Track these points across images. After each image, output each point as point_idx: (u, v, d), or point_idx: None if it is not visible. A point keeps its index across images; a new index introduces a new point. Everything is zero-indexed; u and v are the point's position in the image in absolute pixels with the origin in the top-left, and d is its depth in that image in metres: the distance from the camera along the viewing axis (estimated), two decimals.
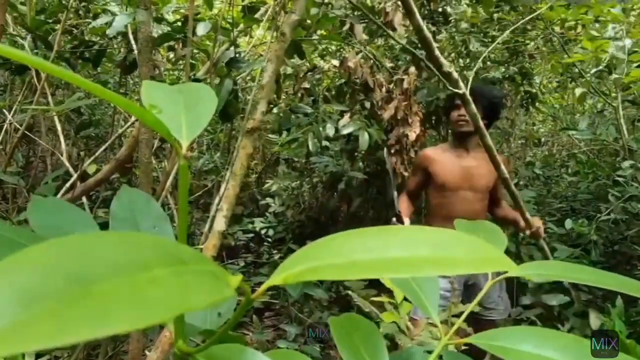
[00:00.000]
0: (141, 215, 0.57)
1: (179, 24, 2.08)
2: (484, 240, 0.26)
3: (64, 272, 0.16)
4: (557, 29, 3.10)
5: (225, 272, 0.21)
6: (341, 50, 3.38)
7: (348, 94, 2.88)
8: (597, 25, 2.71)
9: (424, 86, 3.04)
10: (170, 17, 2.55)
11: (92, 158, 2.34)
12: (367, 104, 2.79)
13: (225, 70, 2.07)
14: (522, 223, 1.95)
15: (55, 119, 2.47)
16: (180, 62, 2.67)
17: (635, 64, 2.51)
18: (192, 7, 1.86)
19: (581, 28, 2.93)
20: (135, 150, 2.20)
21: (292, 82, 3.16)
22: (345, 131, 2.59)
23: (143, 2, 1.53)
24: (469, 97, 1.63)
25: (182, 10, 2.93)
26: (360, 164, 3.27)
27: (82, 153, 3.85)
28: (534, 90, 3.39)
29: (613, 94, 2.73)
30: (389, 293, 1.27)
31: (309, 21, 2.35)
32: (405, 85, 2.66)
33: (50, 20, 2.43)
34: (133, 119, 2.45)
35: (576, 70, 3.31)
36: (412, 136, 2.61)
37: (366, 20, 2.95)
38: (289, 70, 3.01)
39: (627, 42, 2.52)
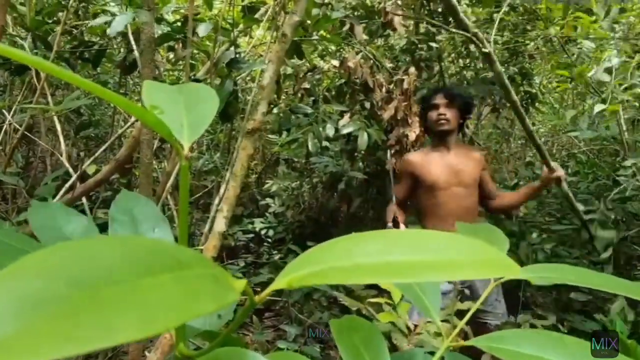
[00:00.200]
0: (140, 218, 0.56)
1: (179, 24, 2.07)
2: (487, 243, 0.26)
3: (66, 279, 0.16)
4: (556, 29, 3.09)
5: (229, 276, 0.21)
6: (341, 50, 3.38)
7: (348, 94, 2.88)
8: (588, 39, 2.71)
9: (424, 86, 3.04)
10: (170, 18, 2.55)
11: (91, 158, 2.34)
12: (367, 104, 2.79)
13: (226, 71, 2.07)
14: (536, 184, 2.12)
15: (55, 119, 2.47)
16: (180, 62, 2.66)
17: (622, 87, 2.47)
18: (192, 7, 1.86)
19: (580, 29, 2.93)
20: (135, 151, 2.20)
21: (292, 83, 3.16)
22: (345, 131, 2.59)
23: (146, 3, 1.52)
24: (493, 56, 1.89)
25: (181, 11, 2.92)
26: (360, 164, 3.27)
27: (81, 153, 3.85)
28: (534, 91, 3.39)
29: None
30: (389, 294, 1.27)
31: (308, 21, 2.34)
32: (405, 85, 2.65)
33: (50, 21, 2.43)
34: (133, 119, 2.45)
35: (576, 69, 3.31)
36: (412, 136, 2.61)
37: (366, 21, 2.95)
38: (289, 71, 3.00)
39: (615, 62, 2.46)
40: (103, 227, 0.59)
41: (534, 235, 2.76)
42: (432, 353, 0.55)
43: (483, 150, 3.54)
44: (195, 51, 2.32)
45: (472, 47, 3.17)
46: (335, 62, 2.88)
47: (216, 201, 2.08)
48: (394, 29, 2.59)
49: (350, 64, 2.65)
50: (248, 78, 3.52)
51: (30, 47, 2.30)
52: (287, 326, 2.56)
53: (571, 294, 2.46)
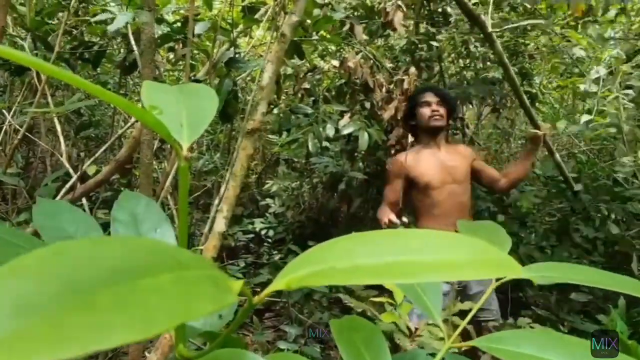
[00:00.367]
0: (142, 218, 0.56)
1: (179, 24, 2.07)
2: (488, 243, 0.26)
3: (62, 280, 0.16)
4: (556, 29, 3.09)
5: (227, 277, 0.21)
6: (341, 50, 3.38)
7: (348, 95, 2.88)
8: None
9: (424, 86, 3.03)
10: (170, 18, 2.54)
11: (92, 159, 2.34)
12: (367, 104, 2.78)
13: (225, 71, 2.07)
14: (528, 146, 2.19)
15: (55, 119, 2.47)
16: (180, 62, 2.66)
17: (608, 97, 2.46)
18: (192, 7, 1.86)
19: (580, 28, 2.93)
20: (136, 151, 2.20)
21: (292, 83, 3.16)
22: (345, 131, 2.58)
23: (147, 3, 1.52)
24: (494, 37, 2.07)
25: (181, 11, 2.92)
26: (361, 164, 3.26)
27: (82, 154, 3.85)
28: (534, 91, 3.39)
29: (613, 94, 2.73)
30: (390, 294, 1.27)
31: (308, 21, 2.34)
32: (405, 85, 2.65)
33: (50, 21, 2.43)
34: (133, 119, 2.44)
35: (576, 70, 3.31)
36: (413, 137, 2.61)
37: (366, 21, 2.95)
38: (289, 71, 3.00)
39: (602, 72, 2.47)
40: (104, 228, 0.59)
41: (534, 235, 2.76)
42: (433, 354, 0.55)
43: (483, 150, 3.54)
44: (195, 52, 2.32)
45: (472, 48, 3.17)
46: (336, 62, 2.88)
47: (216, 201, 2.07)
48: (394, 29, 2.59)
49: (351, 64, 2.64)
50: (248, 78, 3.51)
51: (30, 47, 2.30)
52: (287, 326, 2.56)
53: (571, 295, 2.45)
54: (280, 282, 0.23)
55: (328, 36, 2.69)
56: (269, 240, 3.55)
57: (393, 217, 1.94)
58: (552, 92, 4.64)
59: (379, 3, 2.86)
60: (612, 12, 2.58)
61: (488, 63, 3.48)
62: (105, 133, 3.63)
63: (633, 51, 2.89)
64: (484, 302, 1.86)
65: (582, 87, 2.56)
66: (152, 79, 1.59)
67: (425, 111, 2.15)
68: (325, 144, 3.00)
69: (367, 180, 3.21)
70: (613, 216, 2.54)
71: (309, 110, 2.69)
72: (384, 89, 2.71)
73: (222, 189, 1.93)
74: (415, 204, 2.15)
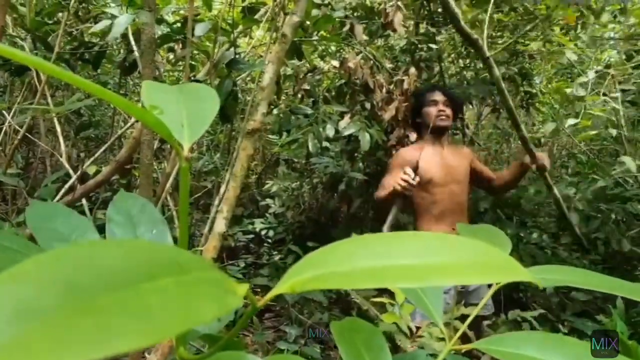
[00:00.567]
0: (138, 219, 0.56)
1: (179, 25, 2.07)
2: (491, 246, 0.26)
3: (62, 285, 0.16)
4: (556, 29, 3.09)
5: (231, 280, 0.20)
6: (341, 51, 3.38)
7: (348, 95, 2.88)
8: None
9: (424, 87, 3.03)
10: (170, 18, 2.54)
11: (91, 159, 2.34)
12: (367, 105, 2.78)
13: (226, 72, 2.07)
14: (526, 159, 2.16)
15: (55, 120, 2.47)
16: (180, 63, 2.66)
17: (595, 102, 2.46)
18: (192, 8, 1.86)
19: (580, 28, 2.93)
20: (136, 152, 2.19)
21: (292, 83, 3.16)
22: (345, 132, 2.58)
23: (147, 3, 1.52)
24: (492, 61, 2.07)
25: (181, 12, 2.92)
26: (361, 164, 3.26)
27: (81, 154, 3.85)
28: (534, 91, 3.39)
29: (613, 94, 2.73)
30: (390, 294, 1.27)
31: (308, 22, 2.34)
32: (405, 86, 2.65)
33: (50, 22, 2.42)
34: (133, 120, 2.44)
35: (576, 70, 3.31)
36: (413, 137, 2.60)
37: (366, 21, 2.95)
38: (289, 71, 3.00)
39: (590, 75, 2.47)
40: (103, 228, 0.58)
41: (534, 235, 2.76)
42: (433, 355, 0.55)
43: (483, 150, 3.54)
44: (195, 52, 2.32)
45: (471, 48, 3.16)
46: (336, 63, 2.87)
47: (216, 202, 2.07)
48: (394, 30, 2.59)
49: (351, 64, 2.64)
50: (248, 79, 3.51)
51: (30, 47, 2.29)
52: (287, 327, 2.55)
53: (571, 293, 2.46)
54: (283, 286, 0.22)
55: (328, 36, 2.68)
56: (269, 240, 3.55)
57: (408, 171, 1.87)
58: (552, 93, 4.64)
59: (379, 4, 2.86)
60: (605, 17, 2.58)
61: None
62: (105, 133, 3.63)
63: (633, 51, 2.89)
64: (477, 297, 1.86)
65: (568, 91, 2.57)
66: (152, 79, 1.59)
67: (432, 110, 2.15)
68: (325, 144, 3.00)
69: (367, 180, 3.21)
70: (613, 216, 2.54)
71: (309, 111, 2.69)
72: (384, 90, 2.71)
73: (222, 190, 1.93)
74: (416, 201, 2.14)
